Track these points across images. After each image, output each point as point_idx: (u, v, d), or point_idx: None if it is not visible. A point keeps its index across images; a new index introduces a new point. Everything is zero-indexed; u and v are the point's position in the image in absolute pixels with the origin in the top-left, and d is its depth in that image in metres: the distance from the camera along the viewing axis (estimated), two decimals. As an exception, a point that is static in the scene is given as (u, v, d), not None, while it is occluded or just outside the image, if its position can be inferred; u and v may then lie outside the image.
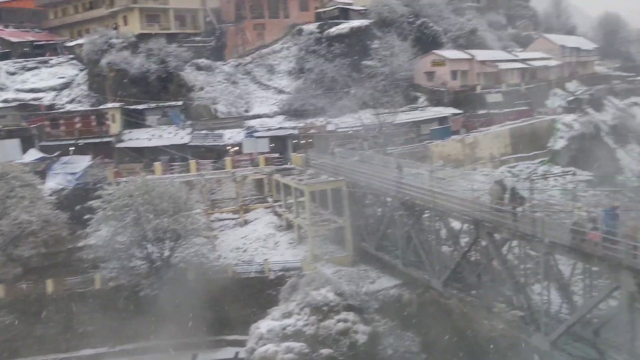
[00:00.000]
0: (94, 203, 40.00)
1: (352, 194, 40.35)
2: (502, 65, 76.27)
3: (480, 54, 75.81)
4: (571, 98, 78.48)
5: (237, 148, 54.66)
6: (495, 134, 61.58)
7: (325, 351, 31.98)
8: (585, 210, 24.52)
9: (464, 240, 32.35)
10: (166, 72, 60.79)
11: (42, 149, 53.91)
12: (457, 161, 56.97)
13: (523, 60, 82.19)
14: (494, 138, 61.06)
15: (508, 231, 26.18)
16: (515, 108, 70.14)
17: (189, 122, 58.63)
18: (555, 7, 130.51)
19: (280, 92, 67.06)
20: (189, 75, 64.33)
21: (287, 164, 51.58)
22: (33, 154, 52.20)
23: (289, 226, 45.85)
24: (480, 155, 59.30)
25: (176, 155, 53.59)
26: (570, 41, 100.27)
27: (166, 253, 39.57)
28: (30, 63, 67.14)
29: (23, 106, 59.30)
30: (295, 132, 57.55)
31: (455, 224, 32.79)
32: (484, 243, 28.49)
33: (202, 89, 63.76)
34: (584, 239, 21.75)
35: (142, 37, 64.79)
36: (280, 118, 62.01)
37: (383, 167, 39.61)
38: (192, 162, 49.59)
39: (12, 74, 65.21)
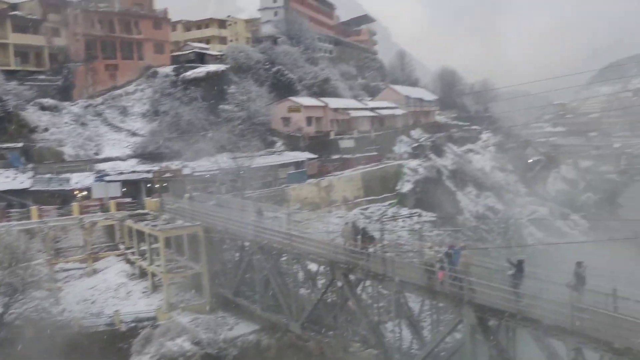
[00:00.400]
0: None
1: (209, 239, 39.58)
2: (354, 113, 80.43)
3: (333, 102, 79.42)
4: (416, 144, 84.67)
5: (85, 193, 51.41)
6: (348, 178, 64.24)
7: (181, 405, 30.52)
8: (434, 250, 26.12)
9: (320, 282, 32.96)
10: (4, 112, 56.14)
11: None
12: (313, 204, 58.43)
13: (372, 109, 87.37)
14: (347, 182, 63.64)
15: (362, 271, 27.11)
16: (366, 153, 74.04)
17: (30, 165, 54.25)
18: (399, 61, 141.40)
19: (134, 134, 64.78)
20: (32, 115, 59.93)
21: (140, 209, 49.42)
22: None
23: (143, 274, 43.65)
24: (335, 198, 61.40)
25: (14, 201, 49.06)
26: (414, 92, 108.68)
27: (-1, 310, 35.62)
28: None
29: None
30: (150, 175, 55.53)
31: (313, 266, 33.37)
32: (339, 284, 29.19)
33: (46, 130, 59.59)
34: (432, 277, 23.20)
35: (-24, 73, 59.46)
36: (134, 161, 59.66)
37: (241, 211, 39.44)
38: (34, 209, 45.72)
39: None
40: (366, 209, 62.77)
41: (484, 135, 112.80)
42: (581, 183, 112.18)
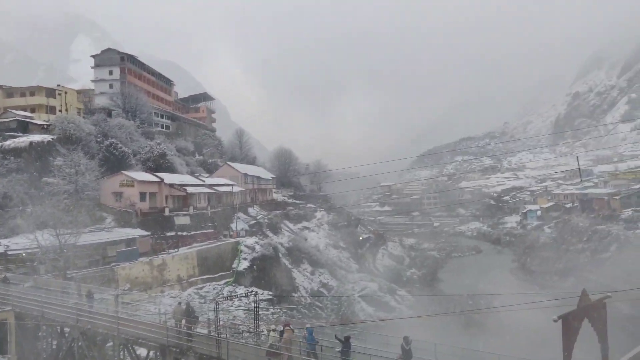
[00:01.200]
0: None
1: (21, 327, 35.36)
2: (190, 189, 79.16)
3: (169, 177, 77.68)
4: (253, 222, 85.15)
5: None
6: (183, 256, 62.18)
7: None
8: (277, 331, 25.77)
9: (149, 369, 30.77)
10: None
11: None
12: (145, 284, 55.39)
13: (209, 186, 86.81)
14: (181, 260, 61.53)
15: (194, 355, 25.89)
16: (202, 230, 72.69)
17: None
18: (238, 139, 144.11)
19: None
20: None
21: None
22: None
23: None
24: (169, 278, 58.83)
25: None
26: (252, 170, 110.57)
27: None
28: None
29: None
30: (-50, 255, 48.97)
31: (142, 351, 31.15)
32: (171, 370, 27.52)
33: None
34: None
35: None
36: None
37: (62, 293, 36.08)
38: None
39: None
40: (201, 288, 60.83)
41: (319, 214, 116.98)
42: (406, 259, 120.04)
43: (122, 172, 70.54)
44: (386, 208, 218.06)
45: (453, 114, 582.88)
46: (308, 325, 25.34)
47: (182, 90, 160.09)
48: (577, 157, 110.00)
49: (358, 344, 21.75)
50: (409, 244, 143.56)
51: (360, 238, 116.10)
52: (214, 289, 61.21)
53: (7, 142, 65.31)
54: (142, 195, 70.03)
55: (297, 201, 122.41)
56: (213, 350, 24.98)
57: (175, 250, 63.92)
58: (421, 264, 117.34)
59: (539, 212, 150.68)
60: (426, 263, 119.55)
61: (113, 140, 77.09)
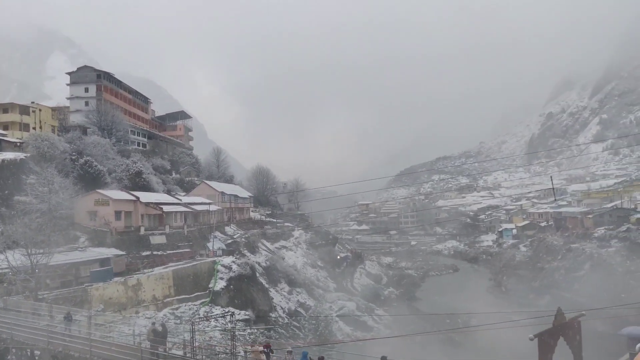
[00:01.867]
0: None
1: (-10, 349, 34.44)
2: (166, 208, 78.38)
3: (145, 196, 76.83)
4: (230, 241, 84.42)
5: None
6: (158, 276, 61.23)
7: None
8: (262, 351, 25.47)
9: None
10: None
11: None
12: (119, 304, 54.33)
13: (186, 204, 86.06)
14: (157, 280, 60.59)
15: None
16: (178, 250, 71.83)
17: None
18: (215, 157, 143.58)
19: None
20: None
21: None
22: None
23: None
24: (144, 298, 57.84)
25: None
26: (229, 188, 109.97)
27: None
28: None
29: None
30: None
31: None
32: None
33: None
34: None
35: None
36: None
37: (33, 314, 35.27)
38: None
39: None
40: (177, 308, 59.89)
41: (296, 232, 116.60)
42: (384, 278, 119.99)
43: (97, 190, 69.63)
44: (364, 227, 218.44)
45: (429, 133, 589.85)
46: (289, 349, 25.08)
47: (159, 108, 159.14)
48: (551, 176, 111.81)
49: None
50: (386, 263, 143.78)
51: (338, 257, 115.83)
52: (190, 309, 60.34)
53: (-21, 160, 64.05)
54: (117, 214, 69.13)
55: (275, 220, 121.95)
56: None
57: (151, 270, 62.92)
58: (399, 283, 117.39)
59: (514, 231, 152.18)
60: (404, 282, 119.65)
61: (88, 158, 76.17)
